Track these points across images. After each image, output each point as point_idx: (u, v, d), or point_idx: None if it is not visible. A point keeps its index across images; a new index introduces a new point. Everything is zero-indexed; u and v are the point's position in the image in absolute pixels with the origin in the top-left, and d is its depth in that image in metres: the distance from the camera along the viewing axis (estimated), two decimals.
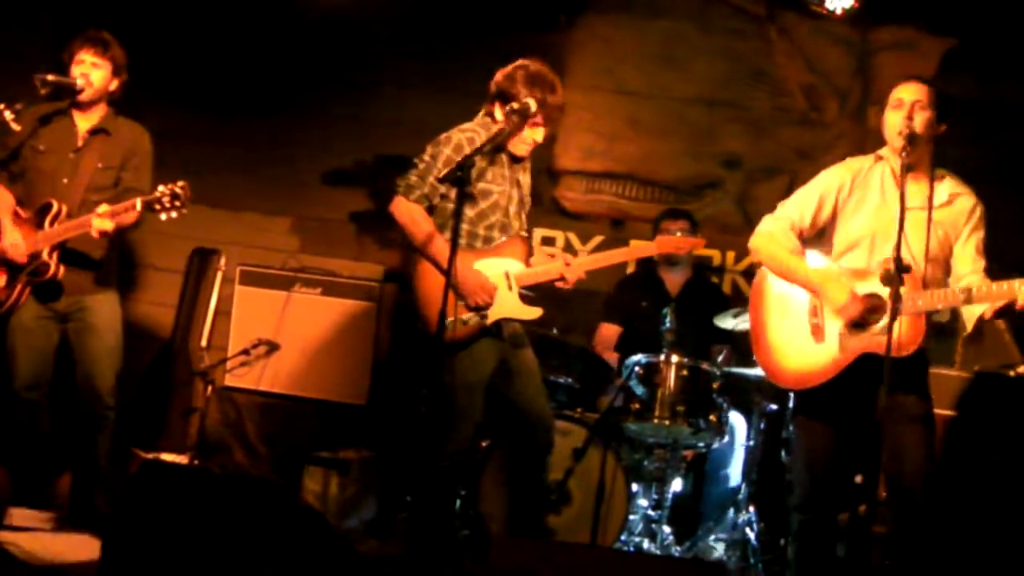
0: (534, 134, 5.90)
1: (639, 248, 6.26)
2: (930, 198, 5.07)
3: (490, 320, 5.79)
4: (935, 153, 5.23)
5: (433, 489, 5.82)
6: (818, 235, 5.39)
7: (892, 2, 8.04)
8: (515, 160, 5.99)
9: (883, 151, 5.31)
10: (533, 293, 5.99)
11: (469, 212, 5.76)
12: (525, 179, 6.09)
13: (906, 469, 5.01)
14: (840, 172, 5.38)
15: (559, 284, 5.98)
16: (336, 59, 8.63)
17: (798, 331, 5.26)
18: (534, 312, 5.91)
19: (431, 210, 5.81)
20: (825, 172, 5.44)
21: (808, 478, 5.30)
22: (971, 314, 5.01)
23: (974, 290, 4.82)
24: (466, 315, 5.74)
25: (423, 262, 5.78)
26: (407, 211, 5.79)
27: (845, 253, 5.27)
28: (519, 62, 5.99)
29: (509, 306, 5.85)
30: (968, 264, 5.11)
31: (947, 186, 5.20)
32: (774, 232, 5.41)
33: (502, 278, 5.85)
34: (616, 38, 8.59)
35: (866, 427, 4.94)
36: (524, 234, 6.03)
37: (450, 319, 5.47)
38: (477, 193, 5.80)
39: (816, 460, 5.27)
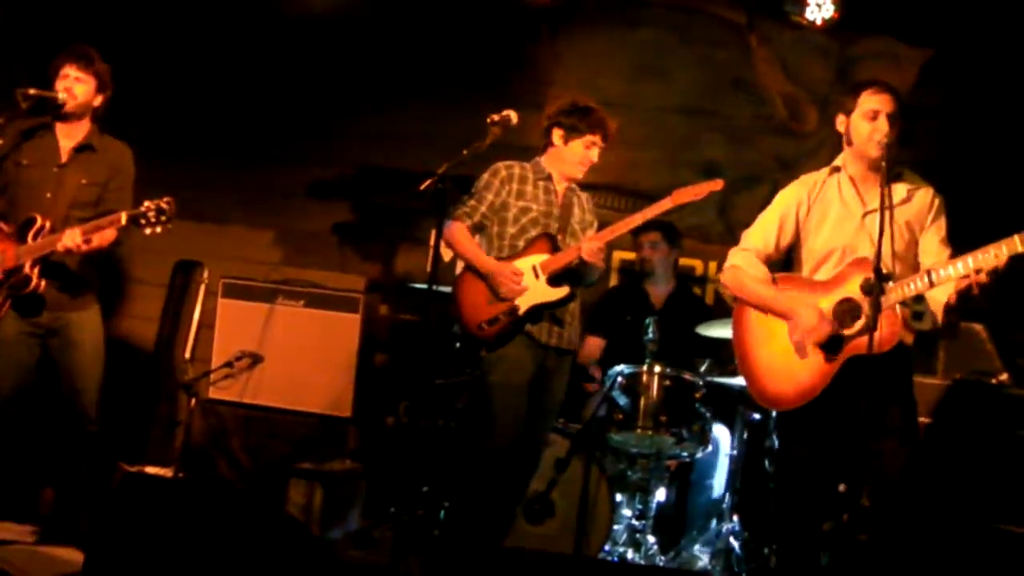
0: (590, 154, 6.21)
1: (657, 205, 6.21)
2: (889, 197, 5.09)
3: (523, 309, 6.03)
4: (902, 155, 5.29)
5: (466, 489, 6.05)
6: (789, 257, 5.46)
7: (871, 13, 8.07)
8: (559, 188, 6.29)
9: (838, 161, 5.34)
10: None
11: (511, 229, 6.17)
12: (579, 209, 6.38)
13: (884, 480, 5.04)
14: (796, 190, 5.44)
15: (586, 258, 6.06)
16: (317, 72, 8.64)
17: (784, 353, 5.26)
18: (561, 291, 6.10)
19: (478, 230, 6.22)
20: (781, 193, 5.50)
21: (792, 489, 5.32)
22: (937, 303, 5.03)
23: (933, 272, 4.85)
24: (496, 312, 6.04)
25: (464, 275, 6.16)
26: (449, 230, 6.11)
27: (818, 268, 5.30)
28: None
29: (539, 293, 6.07)
30: (933, 255, 5.14)
31: (905, 183, 5.25)
32: (740, 264, 5.48)
33: (529, 271, 6.06)
34: (597, 48, 8.62)
35: (849, 434, 4.95)
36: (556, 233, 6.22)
37: (483, 320, 6.01)
38: (518, 212, 6.17)
39: (799, 471, 5.28)
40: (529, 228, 6.14)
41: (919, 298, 5.03)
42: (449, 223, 6.09)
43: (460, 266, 6.28)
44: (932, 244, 5.18)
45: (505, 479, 6.03)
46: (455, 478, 6.22)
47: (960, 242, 5.16)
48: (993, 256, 4.71)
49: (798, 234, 5.39)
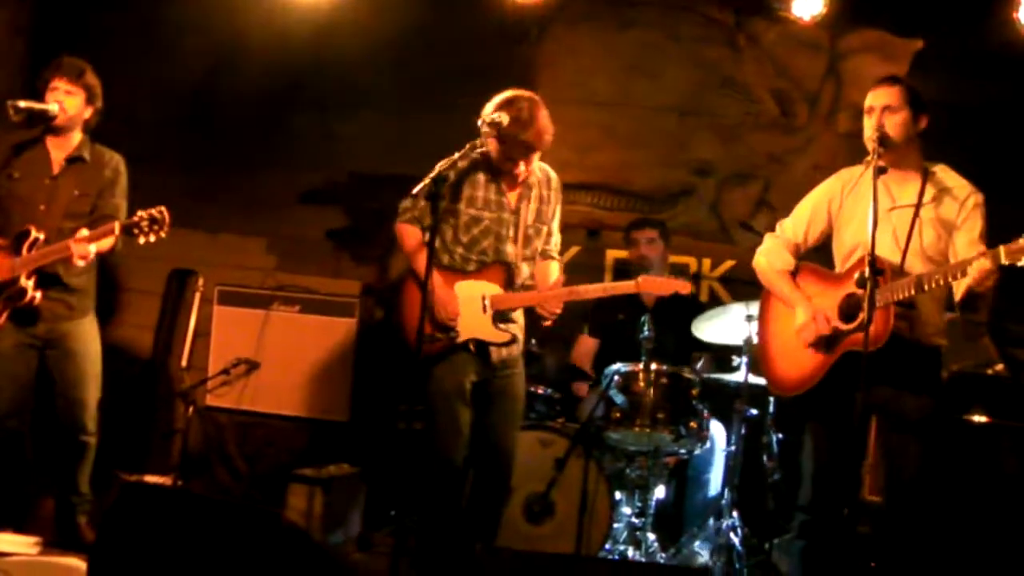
0: (512, 167, 5.90)
1: (618, 286, 6.23)
2: (920, 194, 5.13)
3: (461, 339, 5.89)
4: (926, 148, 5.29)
5: (426, 499, 5.91)
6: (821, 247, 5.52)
7: (860, 6, 8.08)
8: (511, 186, 6.01)
9: (870, 156, 5.35)
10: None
11: (463, 238, 5.94)
12: (536, 203, 6.08)
13: (899, 478, 5.07)
14: (831, 184, 5.48)
15: (541, 317, 6.02)
16: (308, 78, 8.64)
17: (793, 339, 5.35)
18: (503, 336, 5.95)
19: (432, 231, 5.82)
20: (819, 186, 5.54)
21: (812, 479, 5.35)
22: (958, 288, 5.01)
23: (923, 279, 4.86)
24: (434, 331, 5.85)
25: (408, 282, 5.98)
26: (398, 231, 6.05)
27: (846, 261, 5.34)
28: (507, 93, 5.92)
29: (480, 327, 5.93)
30: (962, 254, 5.09)
31: (938, 181, 5.23)
32: (769, 250, 5.60)
33: (478, 300, 5.91)
34: (586, 49, 8.62)
35: (856, 427, 4.96)
36: (511, 260, 5.99)
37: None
38: (468, 220, 5.93)
39: (818, 460, 5.32)
40: (480, 239, 5.94)
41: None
42: (397, 225, 6.05)
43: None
44: (962, 243, 5.13)
45: (459, 490, 5.94)
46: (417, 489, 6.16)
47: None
48: (977, 267, 4.70)
49: (830, 227, 5.45)
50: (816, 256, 5.58)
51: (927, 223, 5.14)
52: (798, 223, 5.54)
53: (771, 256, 5.58)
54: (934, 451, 5.22)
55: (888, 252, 5.04)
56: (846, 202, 5.38)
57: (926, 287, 4.86)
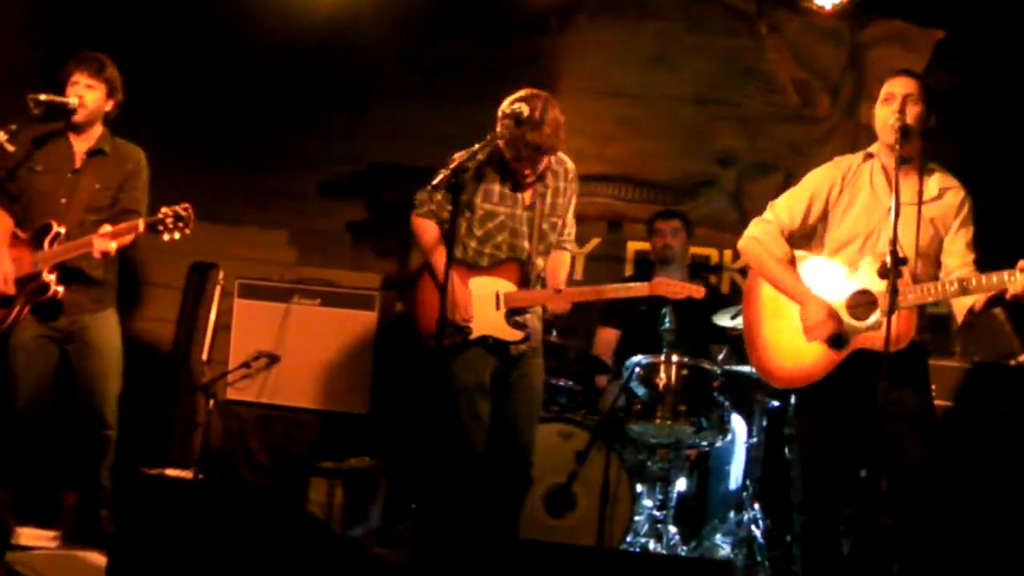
0: (521, 166, 5.88)
1: (632, 287, 6.23)
2: (920, 193, 5.07)
3: (474, 335, 5.90)
4: (926, 147, 5.21)
5: (445, 492, 5.90)
6: (809, 234, 5.40)
7: None
8: (526, 181, 5.99)
9: (873, 148, 5.27)
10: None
11: (478, 232, 5.96)
12: (551, 197, 6.07)
13: (904, 466, 5.01)
14: (830, 171, 5.35)
15: (550, 314, 6.13)
16: (329, 70, 8.64)
17: (791, 330, 5.24)
18: (516, 334, 5.95)
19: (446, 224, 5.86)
20: (814, 172, 5.40)
21: (808, 477, 5.28)
22: (961, 306, 5.00)
23: (966, 282, 4.80)
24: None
25: (424, 276, 5.99)
26: (415, 225, 6.07)
27: (839, 251, 5.24)
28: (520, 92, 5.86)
29: (493, 324, 5.93)
30: (958, 258, 5.08)
31: (937, 180, 5.17)
32: (762, 236, 5.39)
33: (492, 297, 5.92)
34: (607, 40, 8.59)
35: (865, 423, 4.91)
36: (526, 256, 6.00)
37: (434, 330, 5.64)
38: (483, 215, 5.94)
39: (815, 459, 5.25)
40: (495, 234, 5.96)
41: None
42: (413, 218, 6.06)
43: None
44: (957, 246, 5.10)
45: (482, 482, 5.92)
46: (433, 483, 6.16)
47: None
48: None
49: (826, 215, 5.32)
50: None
51: (925, 222, 5.07)
52: (795, 207, 5.34)
53: (766, 241, 5.37)
54: (935, 437, 5.18)
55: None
56: (845, 191, 5.26)
57: (968, 289, 4.83)
